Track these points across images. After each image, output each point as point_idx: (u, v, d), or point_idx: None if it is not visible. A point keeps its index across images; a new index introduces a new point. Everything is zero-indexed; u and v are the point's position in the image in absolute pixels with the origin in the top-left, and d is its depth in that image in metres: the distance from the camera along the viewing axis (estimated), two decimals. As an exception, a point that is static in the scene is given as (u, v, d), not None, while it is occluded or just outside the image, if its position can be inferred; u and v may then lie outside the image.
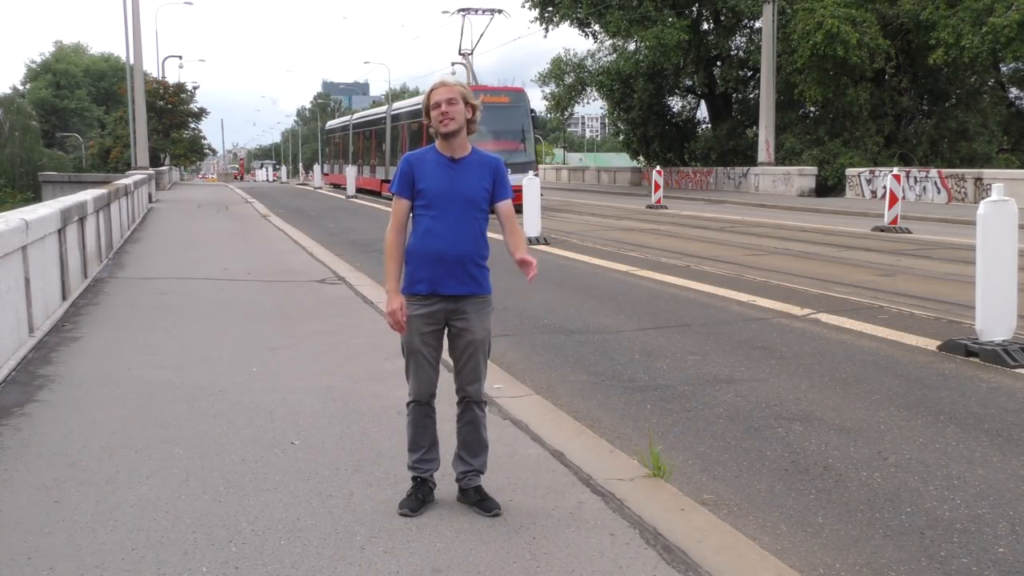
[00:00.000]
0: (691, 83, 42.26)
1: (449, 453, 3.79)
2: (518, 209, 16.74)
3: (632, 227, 19.57)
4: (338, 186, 42.60)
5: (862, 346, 7.10)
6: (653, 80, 40.72)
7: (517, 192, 20.88)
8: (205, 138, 59.71)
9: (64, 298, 8.64)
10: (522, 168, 23.73)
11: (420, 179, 3.55)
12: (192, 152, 56.71)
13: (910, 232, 16.97)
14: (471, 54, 35.23)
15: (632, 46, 40.11)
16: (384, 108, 37.79)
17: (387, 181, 32.22)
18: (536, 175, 25.61)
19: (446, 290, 3.54)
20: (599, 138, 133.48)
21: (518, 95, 27.33)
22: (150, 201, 27.17)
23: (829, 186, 31.53)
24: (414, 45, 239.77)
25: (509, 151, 24.50)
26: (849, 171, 29.83)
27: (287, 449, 4.38)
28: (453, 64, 57.66)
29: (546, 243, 15.25)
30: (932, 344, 6.98)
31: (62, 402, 5.22)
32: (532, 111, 27.55)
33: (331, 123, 56.64)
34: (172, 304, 8.71)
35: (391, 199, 3.70)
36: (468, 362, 3.63)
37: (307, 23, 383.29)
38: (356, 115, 46.94)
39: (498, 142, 24.80)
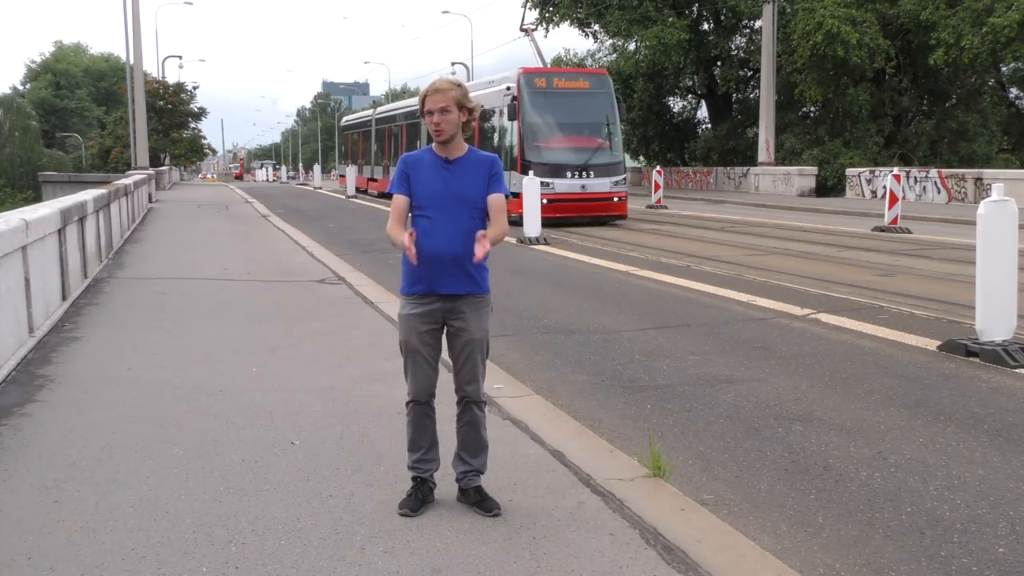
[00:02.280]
0: (691, 83, 42.26)
1: (449, 453, 3.79)
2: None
3: (632, 227, 19.57)
4: (360, 190, 37.02)
5: (862, 346, 7.10)
6: (653, 80, 40.69)
7: (575, 201, 19.01)
8: (205, 138, 59.71)
9: (64, 298, 8.63)
10: (608, 171, 19.97)
11: (416, 181, 3.57)
12: (192, 152, 56.68)
13: (910, 232, 16.96)
14: (535, 29, 29.98)
15: (632, 46, 40.06)
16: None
17: None
18: (625, 180, 20.59)
19: (443, 289, 3.54)
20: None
21: (600, 79, 21.64)
22: (150, 201, 27.17)
23: (829, 186, 31.53)
24: (414, 45, 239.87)
25: (591, 149, 20.21)
26: (849, 171, 29.82)
27: (287, 449, 4.38)
28: (453, 64, 57.20)
29: (546, 243, 15.24)
30: (932, 344, 6.98)
31: (62, 402, 5.21)
32: (618, 99, 21.46)
33: (348, 118, 49.28)
34: (172, 304, 8.71)
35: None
36: (466, 362, 3.63)
37: (307, 23, 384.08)
38: (380, 108, 39.87)
39: (574, 138, 20.34)
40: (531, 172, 17.06)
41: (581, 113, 20.63)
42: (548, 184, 18.29)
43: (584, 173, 19.50)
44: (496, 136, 21.36)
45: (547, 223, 16.98)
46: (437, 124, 3.49)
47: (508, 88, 20.34)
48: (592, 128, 20.73)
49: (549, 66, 26.05)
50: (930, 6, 29.89)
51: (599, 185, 19.66)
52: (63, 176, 48.83)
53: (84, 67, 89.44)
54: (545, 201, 17.41)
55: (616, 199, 19.83)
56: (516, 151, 19.58)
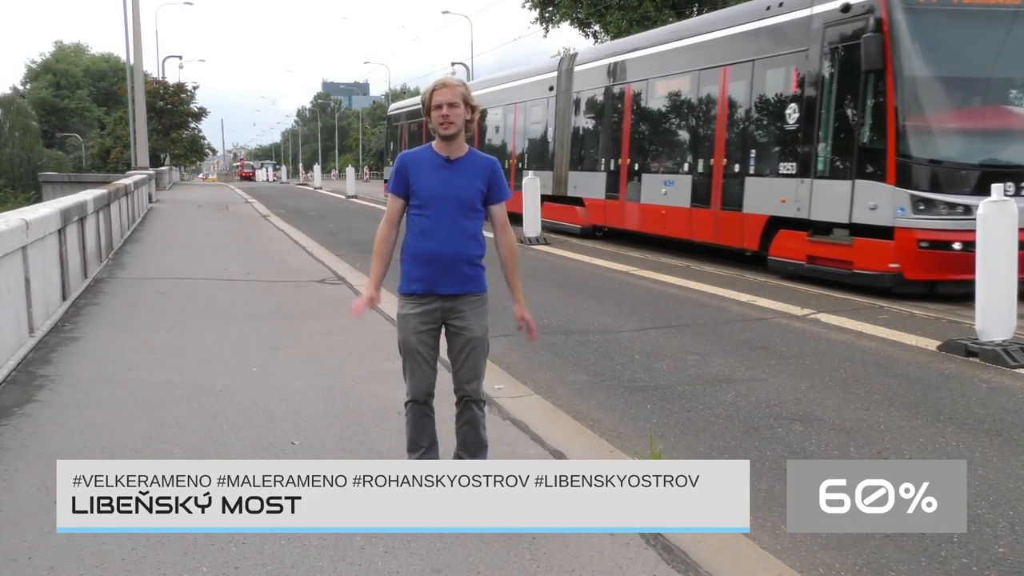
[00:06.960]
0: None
1: (449, 453, 3.78)
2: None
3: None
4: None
5: (862, 346, 7.10)
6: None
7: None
8: (205, 138, 59.69)
9: (64, 298, 8.63)
10: None
11: (415, 180, 3.56)
12: (192, 152, 56.67)
13: (910, 232, 16.92)
14: None
15: (632, 46, 40.06)
16: (545, 66, 19.52)
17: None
18: None
19: (442, 289, 3.54)
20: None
21: None
22: (150, 201, 27.17)
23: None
24: (414, 45, 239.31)
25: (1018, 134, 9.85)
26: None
27: (287, 449, 4.38)
28: (453, 64, 57.03)
29: (546, 243, 15.24)
30: (932, 344, 6.99)
31: (62, 402, 5.21)
32: None
33: (400, 104, 35.40)
34: (172, 304, 8.71)
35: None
36: (467, 361, 3.63)
37: (307, 23, 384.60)
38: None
39: (1009, 112, 10.00)
40: (919, 183, 9.28)
41: (1016, 58, 9.75)
42: (962, 210, 9.00)
43: None
44: (798, 112, 10.95)
45: (945, 293, 9.33)
46: (446, 116, 3.49)
47: (846, 7, 10.08)
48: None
49: None
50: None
51: None
52: (63, 176, 48.74)
53: (84, 67, 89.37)
54: (958, 247, 8.94)
55: None
56: (884, 136, 9.60)
